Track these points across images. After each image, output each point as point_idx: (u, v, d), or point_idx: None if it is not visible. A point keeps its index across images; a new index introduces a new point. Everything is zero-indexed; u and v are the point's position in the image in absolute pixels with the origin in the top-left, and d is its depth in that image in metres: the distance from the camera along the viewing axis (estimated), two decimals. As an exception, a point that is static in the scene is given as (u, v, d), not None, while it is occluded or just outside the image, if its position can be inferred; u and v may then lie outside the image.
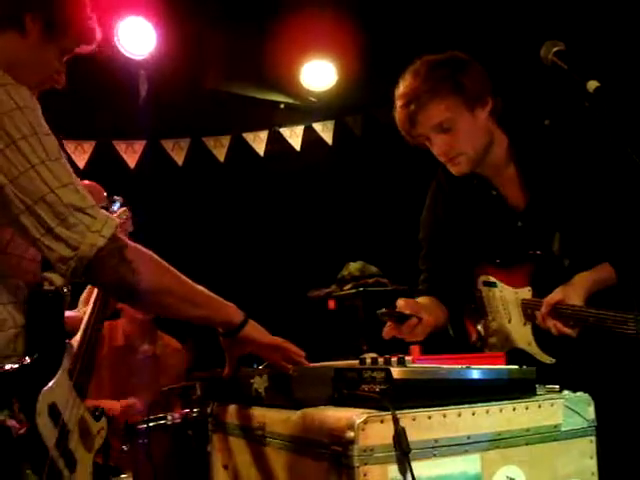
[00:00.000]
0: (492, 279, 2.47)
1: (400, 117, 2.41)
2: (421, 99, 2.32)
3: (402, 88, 2.38)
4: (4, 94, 1.59)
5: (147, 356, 3.89)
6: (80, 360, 2.08)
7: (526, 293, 2.37)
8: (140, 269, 1.64)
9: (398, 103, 2.39)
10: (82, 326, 2.26)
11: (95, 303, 2.35)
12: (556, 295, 2.23)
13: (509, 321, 2.42)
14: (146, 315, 3.76)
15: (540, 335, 2.32)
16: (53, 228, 1.56)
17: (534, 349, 2.33)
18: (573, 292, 2.22)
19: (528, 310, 2.35)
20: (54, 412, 1.75)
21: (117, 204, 2.76)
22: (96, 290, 2.38)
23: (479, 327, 2.54)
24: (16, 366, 1.68)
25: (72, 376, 1.89)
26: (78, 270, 1.58)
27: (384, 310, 2.24)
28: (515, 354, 2.33)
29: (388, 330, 2.28)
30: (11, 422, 1.61)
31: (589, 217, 2.32)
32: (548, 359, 2.30)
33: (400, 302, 2.28)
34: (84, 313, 2.36)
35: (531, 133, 2.44)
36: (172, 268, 1.73)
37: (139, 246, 1.69)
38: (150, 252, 1.71)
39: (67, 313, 1.91)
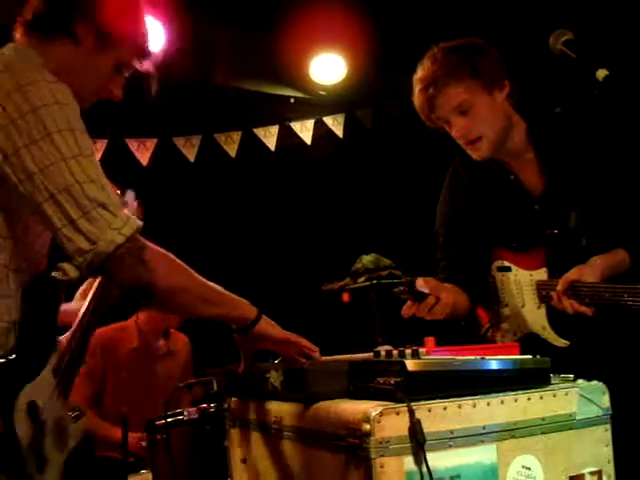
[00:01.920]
0: (507, 263, 2.47)
1: (419, 101, 2.43)
2: (439, 82, 2.34)
3: (420, 73, 2.40)
4: (45, 89, 1.62)
5: (163, 353, 3.90)
6: (68, 357, 2.03)
7: (542, 274, 2.37)
8: (157, 269, 1.65)
9: (417, 88, 2.41)
10: (76, 321, 2.19)
11: (92, 298, 2.27)
12: (572, 274, 2.23)
13: (523, 306, 2.42)
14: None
15: (555, 318, 2.32)
16: (75, 220, 1.58)
17: (548, 333, 2.34)
18: (589, 271, 2.23)
19: (543, 291, 2.35)
20: (33, 410, 1.73)
21: (129, 195, 2.69)
22: (95, 285, 2.31)
23: (491, 315, 2.54)
24: (1, 361, 1.67)
25: (57, 374, 1.86)
26: (94, 265, 1.60)
27: (400, 288, 2.24)
28: (528, 341, 2.34)
29: (406, 309, 2.27)
30: None
31: (606, 200, 2.33)
32: (562, 342, 2.30)
33: (419, 280, 2.27)
34: (80, 307, 2.29)
35: (547, 118, 2.46)
36: (188, 267, 1.74)
37: (156, 247, 1.71)
38: (166, 252, 1.72)
39: (63, 306, 1.90)
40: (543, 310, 2.35)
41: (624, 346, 2.31)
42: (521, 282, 2.42)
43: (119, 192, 2.77)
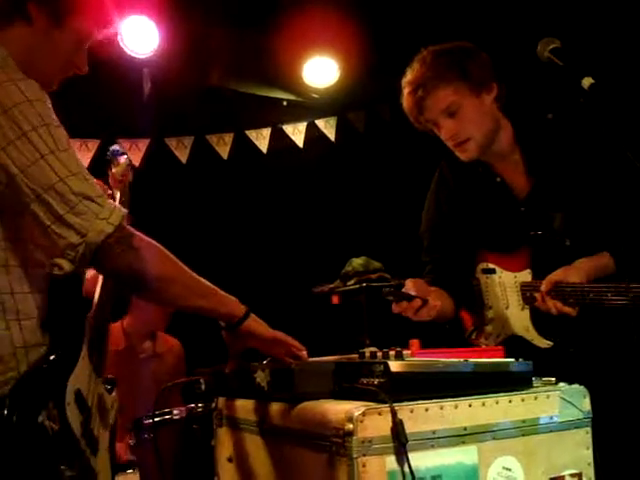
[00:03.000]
0: (491, 266, 2.50)
1: (408, 104, 2.46)
2: (428, 85, 2.38)
3: (409, 76, 2.44)
4: (14, 88, 1.63)
5: (149, 355, 3.90)
6: (95, 335, 2.02)
7: (525, 276, 2.40)
8: (147, 257, 1.68)
9: (406, 90, 2.45)
10: (95, 300, 2.13)
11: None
12: (557, 274, 2.26)
13: (507, 307, 2.45)
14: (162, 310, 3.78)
15: (538, 319, 2.35)
16: (62, 215, 1.60)
17: (531, 334, 2.36)
18: (574, 272, 2.26)
19: (527, 293, 2.38)
20: (80, 398, 1.78)
21: (119, 151, 2.60)
22: None
23: (475, 318, 2.57)
24: (45, 365, 1.71)
25: (91, 355, 1.90)
26: (86, 256, 1.62)
27: (388, 289, 2.29)
28: (511, 343, 2.37)
29: (395, 307, 2.30)
30: (48, 422, 1.65)
31: (591, 204, 2.35)
32: (545, 343, 2.33)
33: (408, 283, 2.31)
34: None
35: (534, 122, 2.50)
36: (176, 258, 1.76)
37: (144, 235, 1.72)
38: (155, 242, 1.74)
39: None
40: (527, 312, 2.38)
41: (606, 349, 2.33)
42: (505, 284, 2.45)
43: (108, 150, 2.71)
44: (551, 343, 2.32)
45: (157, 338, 4.00)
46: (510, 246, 2.45)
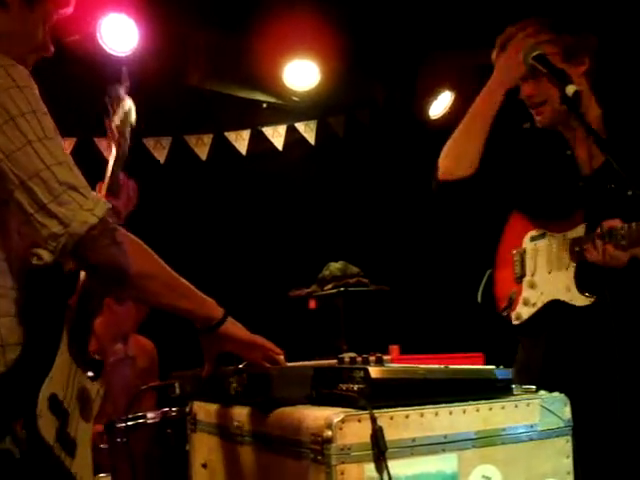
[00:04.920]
0: (541, 231, 2.46)
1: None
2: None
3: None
4: (3, 73, 1.60)
5: (119, 358, 3.80)
6: (78, 321, 1.91)
7: (578, 232, 2.34)
8: (130, 252, 1.64)
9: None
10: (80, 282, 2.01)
11: None
12: (612, 221, 2.20)
13: (550, 272, 2.40)
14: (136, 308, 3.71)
15: (582, 275, 2.30)
16: (46, 204, 1.56)
17: (572, 293, 2.31)
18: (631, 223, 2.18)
19: (577, 247, 2.32)
20: (55, 403, 1.69)
21: (120, 95, 2.30)
22: None
23: (512, 290, 2.50)
24: (12, 376, 1.60)
25: (72, 345, 1.79)
26: (68, 247, 1.57)
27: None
28: (547, 310, 2.36)
29: None
30: (14, 447, 1.58)
31: None
32: (586, 300, 2.27)
33: None
34: None
35: (624, 108, 2.47)
36: (158, 256, 1.74)
37: (125, 231, 1.69)
38: (136, 237, 1.71)
39: None
40: (571, 270, 2.32)
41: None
42: (553, 246, 2.40)
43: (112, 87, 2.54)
44: (592, 299, 2.26)
45: (129, 340, 3.92)
46: (562, 214, 2.41)
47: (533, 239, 2.48)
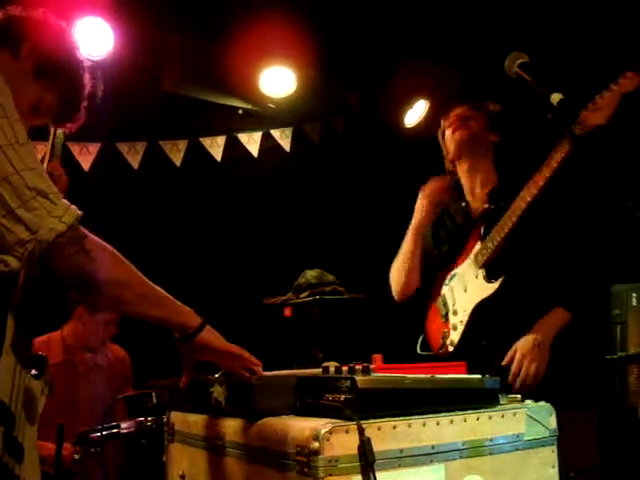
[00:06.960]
0: (451, 274, 2.76)
1: None
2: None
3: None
4: None
5: (90, 367, 3.70)
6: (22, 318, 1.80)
7: (477, 247, 2.66)
8: (99, 259, 1.61)
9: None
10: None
11: None
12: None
13: (465, 290, 2.66)
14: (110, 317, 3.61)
15: (488, 272, 2.59)
16: (14, 209, 1.53)
17: (483, 289, 2.58)
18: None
19: (479, 257, 2.62)
20: (2, 411, 1.63)
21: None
22: None
23: (443, 331, 2.71)
24: None
25: (16, 344, 1.71)
26: (35, 254, 1.54)
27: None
28: (474, 314, 2.60)
29: None
30: None
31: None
32: (493, 287, 2.56)
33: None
34: None
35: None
36: (129, 263, 1.69)
37: (97, 238, 1.65)
38: (107, 244, 1.67)
39: None
40: (480, 275, 2.61)
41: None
42: (464, 270, 2.69)
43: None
44: (497, 284, 2.55)
45: (100, 349, 3.81)
46: (461, 252, 2.74)
47: (447, 283, 2.77)
